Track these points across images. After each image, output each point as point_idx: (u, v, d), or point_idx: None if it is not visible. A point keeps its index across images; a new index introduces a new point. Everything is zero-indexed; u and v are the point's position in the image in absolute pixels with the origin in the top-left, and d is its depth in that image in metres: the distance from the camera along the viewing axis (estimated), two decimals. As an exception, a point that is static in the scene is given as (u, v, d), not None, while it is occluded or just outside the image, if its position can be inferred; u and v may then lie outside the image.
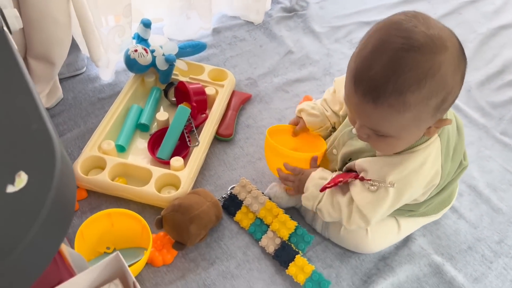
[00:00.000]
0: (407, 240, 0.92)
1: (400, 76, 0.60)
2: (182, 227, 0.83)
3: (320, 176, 0.82)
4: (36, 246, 0.42)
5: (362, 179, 0.76)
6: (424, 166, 0.72)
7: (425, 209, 0.85)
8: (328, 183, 0.78)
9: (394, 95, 0.61)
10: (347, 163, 0.83)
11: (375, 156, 0.77)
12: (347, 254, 0.90)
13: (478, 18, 1.45)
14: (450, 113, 0.76)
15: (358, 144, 0.80)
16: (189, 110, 1.02)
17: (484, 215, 0.98)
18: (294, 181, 0.87)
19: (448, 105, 0.66)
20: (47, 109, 1.09)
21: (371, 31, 0.66)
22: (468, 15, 1.46)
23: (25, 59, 1.02)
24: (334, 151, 0.88)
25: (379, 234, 0.87)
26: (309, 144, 0.96)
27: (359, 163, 0.78)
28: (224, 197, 0.95)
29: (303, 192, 0.84)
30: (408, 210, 0.84)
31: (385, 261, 0.89)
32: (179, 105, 1.02)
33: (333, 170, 0.87)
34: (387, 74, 0.61)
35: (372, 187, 0.74)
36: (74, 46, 1.10)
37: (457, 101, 1.17)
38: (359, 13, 1.44)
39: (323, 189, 0.79)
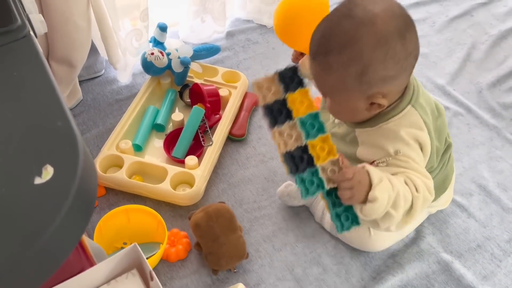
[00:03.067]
0: (416, 238, 0.94)
1: (329, 39, 0.68)
2: (219, 255, 0.83)
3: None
4: (60, 233, 0.45)
5: (373, 163, 0.75)
6: (411, 126, 0.73)
7: None
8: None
9: (322, 55, 0.69)
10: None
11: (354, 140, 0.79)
12: (357, 250, 0.92)
13: (489, 19, 1.45)
14: (427, 97, 0.78)
15: (340, 130, 0.83)
16: (203, 111, 1.05)
17: (494, 215, 0.99)
18: (352, 186, 0.67)
19: (373, 79, 0.68)
20: (68, 110, 1.13)
21: None
22: (479, 17, 1.46)
23: (47, 62, 1.06)
24: None
25: (381, 232, 0.87)
26: None
27: (359, 155, 0.78)
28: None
29: (364, 196, 0.67)
30: None
31: (394, 258, 0.91)
32: (194, 106, 1.06)
33: None
34: (322, 36, 0.69)
35: (382, 164, 0.74)
36: (93, 50, 1.15)
37: (467, 102, 1.21)
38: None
39: None
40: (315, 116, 0.68)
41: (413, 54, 0.69)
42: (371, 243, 0.89)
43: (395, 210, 0.68)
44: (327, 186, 0.67)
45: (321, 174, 0.67)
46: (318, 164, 0.67)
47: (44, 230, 0.43)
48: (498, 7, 1.50)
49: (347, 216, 0.68)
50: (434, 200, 0.89)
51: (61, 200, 0.45)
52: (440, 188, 0.87)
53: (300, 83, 0.69)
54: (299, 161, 0.67)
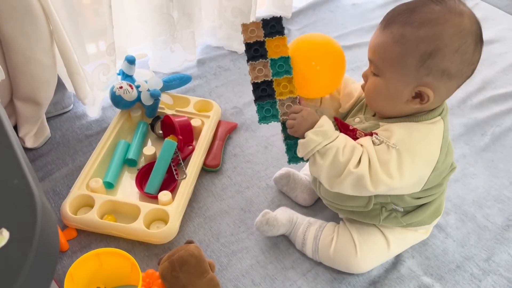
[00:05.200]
0: (396, 263, 0.93)
1: (413, 13, 0.71)
2: None
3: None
4: (19, 301, 0.42)
5: (370, 134, 0.77)
6: (428, 139, 0.76)
7: (422, 218, 0.86)
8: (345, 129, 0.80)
9: (400, 24, 0.71)
10: None
11: None
12: (338, 279, 0.91)
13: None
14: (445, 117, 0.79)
15: (362, 126, 0.82)
16: (176, 144, 1.03)
17: (471, 233, 0.99)
18: (295, 118, 0.77)
19: (435, 67, 0.70)
20: (35, 149, 1.10)
21: None
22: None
23: (11, 101, 1.03)
24: None
25: (368, 252, 0.88)
26: None
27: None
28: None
29: (303, 131, 0.76)
30: (408, 216, 0.85)
31: (375, 285, 0.90)
32: (166, 139, 1.04)
33: None
34: (407, 9, 0.72)
35: (376, 140, 0.76)
36: (60, 85, 1.12)
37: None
38: (340, 37, 1.48)
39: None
40: (286, 59, 0.79)
41: (474, 66, 0.73)
42: (356, 263, 0.88)
43: (321, 158, 0.74)
44: (281, 118, 0.79)
45: (278, 106, 0.79)
46: (278, 98, 0.79)
47: (0, 301, 0.41)
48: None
49: (296, 150, 0.78)
50: (430, 223, 0.90)
51: (18, 267, 0.42)
52: (436, 212, 0.89)
53: (279, 33, 0.80)
54: (262, 91, 0.79)
